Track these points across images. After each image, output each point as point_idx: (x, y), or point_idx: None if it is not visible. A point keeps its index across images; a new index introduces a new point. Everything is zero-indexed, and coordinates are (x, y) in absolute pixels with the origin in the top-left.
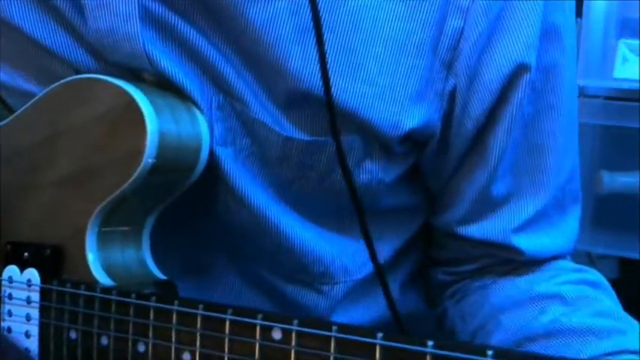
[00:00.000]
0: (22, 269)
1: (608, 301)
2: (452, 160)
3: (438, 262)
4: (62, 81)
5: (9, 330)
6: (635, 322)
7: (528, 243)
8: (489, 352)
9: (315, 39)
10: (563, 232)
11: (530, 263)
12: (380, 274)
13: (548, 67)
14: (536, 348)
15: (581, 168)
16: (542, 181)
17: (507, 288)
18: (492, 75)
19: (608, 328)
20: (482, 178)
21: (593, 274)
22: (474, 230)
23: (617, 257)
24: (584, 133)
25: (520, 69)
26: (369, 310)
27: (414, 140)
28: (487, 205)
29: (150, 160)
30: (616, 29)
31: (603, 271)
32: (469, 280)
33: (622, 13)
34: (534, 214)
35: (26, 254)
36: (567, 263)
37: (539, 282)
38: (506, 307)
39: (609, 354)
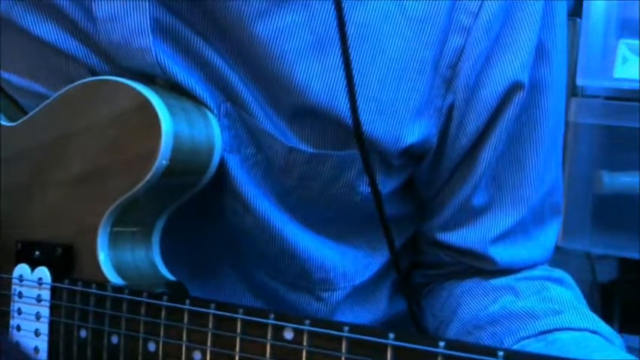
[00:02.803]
0: (32, 268)
1: (560, 289)
2: (444, 172)
3: (416, 264)
4: (77, 82)
5: (18, 328)
6: (579, 306)
7: (504, 254)
8: (500, 353)
9: (322, 55)
10: (540, 245)
11: (500, 272)
12: (403, 284)
13: (534, 85)
14: (484, 335)
15: (581, 168)
16: (522, 194)
17: (469, 283)
18: (489, 92)
19: (547, 310)
20: (467, 189)
21: (559, 273)
22: (454, 237)
23: (617, 257)
24: (584, 133)
25: (515, 87)
26: (366, 315)
27: (413, 154)
28: (468, 214)
29: (164, 162)
30: (616, 29)
31: (603, 271)
32: (441, 281)
33: (622, 13)
34: (513, 226)
35: (37, 253)
36: (537, 266)
37: (498, 277)
38: (464, 299)
39: (543, 332)
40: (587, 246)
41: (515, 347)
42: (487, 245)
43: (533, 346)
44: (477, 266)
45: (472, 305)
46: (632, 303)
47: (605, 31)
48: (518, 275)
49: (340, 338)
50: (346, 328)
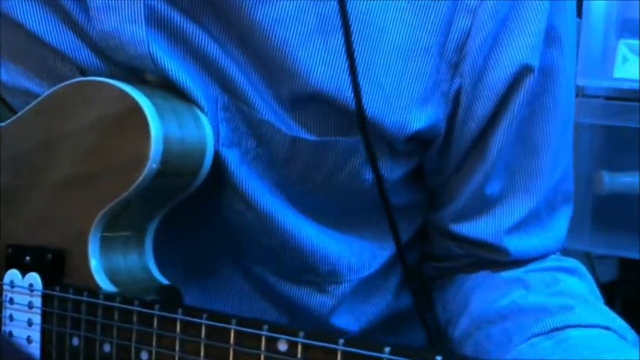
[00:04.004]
0: (23, 273)
1: (573, 282)
2: (453, 159)
3: (427, 257)
4: (66, 83)
5: (10, 335)
6: (591, 299)
7: (518, 244)
8: None
9: (325, 40)
10: (552, 233)
11: (512, 263)
12: (409, 277)
13: (546, 69)
14: (494, 330)
15: (581, 168)
16: (535, 182)
17: (479, 276)
18: (498, 76)
19: (559, 305)
20: (478, 177)
21: (571, 262)
22: (467, 229)
23: (617, 257)
24: (584, 133)
25: (524, 70)
26: (373, 307)
27: (420, 140)
28: (481, 204)
29: (154, 166)
30: (616, 29)
31: (603, 271)
32: (452, 274)
33: (622, 13)
34: (527, 215)
35: (27, 258)
36: (549, 256)
37: (509, 269)
38: (474, 292)
39: (556, 329)
40: (587, 246)
41: (524, 345)
42: (502, 236)
43: (543, 344)
44: (490, 258)
45: (482, 299)
46: (632, 303)
47: (605, 31)
48: (530, 267)
49: (335, 351)
50: (341, 341)
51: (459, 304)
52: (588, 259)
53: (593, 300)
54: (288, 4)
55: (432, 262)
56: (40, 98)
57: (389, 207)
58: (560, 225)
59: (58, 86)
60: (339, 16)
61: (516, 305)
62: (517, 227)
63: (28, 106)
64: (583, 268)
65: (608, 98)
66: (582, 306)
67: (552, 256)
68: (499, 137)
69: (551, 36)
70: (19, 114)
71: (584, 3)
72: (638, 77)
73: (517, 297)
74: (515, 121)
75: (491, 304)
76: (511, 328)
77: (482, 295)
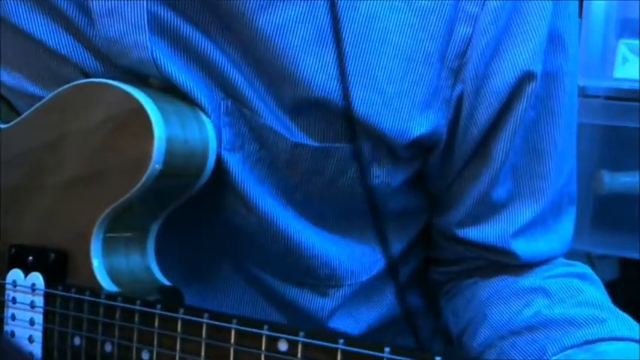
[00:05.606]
0: (26, 273)
1: (593, 291)
2: (456, 165)
3: (434, 261)
4: (70, 84)
5: (12, 334)
6: (616, 309)
7: (525, 247)
8: None
9: (327, 47)
10: (558, 236)
11: (522, 266)
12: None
13: (551, 74)
14: (521, 341)
15: (581, 168)
16: (541, 186)
17: (495, 284)
18: (500, 82)
19: (587, 317)
20: (484, 182)
21: (581, 267)
22: (473, 233)
23: (617, 257)
24: (584, 133)
25: (527, 76)
26: (373, 311)
27: (421, 146)
28: (487, 209)
29: (157, 167)
30: (616, 29)
31: (603, 271)
32: (462, 279)
33: (622, 13)
34: (533, 219)
35: (30, 258)
36: (557, 260)
37: (525, 277)
38: (493, 302)
39: (588, 342)
40: (587, 246)
41: (560, 356)
42: (508, 240)
43: (580, 357)
44: (499, 260)
45: (503, 309)
46: (632, 303)
47: (605, 31)
48: (545, 273)
49: (335, 350)
50: (341, 340)
51: (475, 313)
52: (588, 259)
53: (619, 312)
54: (289, 12)
55: (443, 266)
56: (44, 99)
57: (379, 212)
58: (565, 227)
59: (61, 88)
60: (339, 25)
61: (542, 316)
62: (523, 231)
63: (33, 107)
64: (592, 273)
65: (608, 98)
66: (612, 318)
67: (561, 260)
68: (503, 143)
69: (554, 41)
70: (22, 116)
71: (584, 3)
72: (638, 77)
73: (541, 307)
74: (519, 127)
75: (514, 315)
76: (540, 339)
77: (502, 305)
